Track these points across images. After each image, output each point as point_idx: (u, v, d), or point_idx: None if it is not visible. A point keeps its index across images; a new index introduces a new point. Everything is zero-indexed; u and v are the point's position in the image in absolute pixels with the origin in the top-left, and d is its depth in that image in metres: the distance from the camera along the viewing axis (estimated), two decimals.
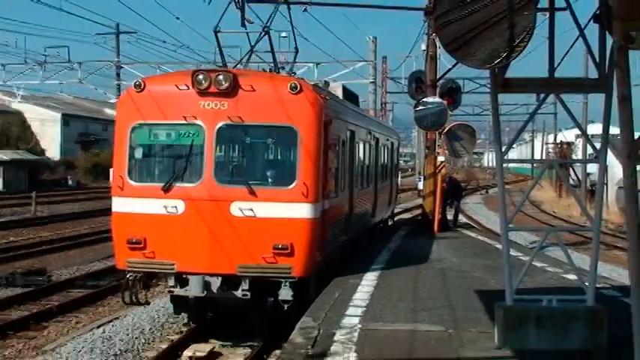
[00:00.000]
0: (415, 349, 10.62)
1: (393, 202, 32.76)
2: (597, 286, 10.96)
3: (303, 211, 13.85)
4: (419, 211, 34.97)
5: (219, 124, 13.94)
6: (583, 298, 10.58)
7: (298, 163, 14.00)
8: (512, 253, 11.63)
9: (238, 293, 13.65)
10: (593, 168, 48.22)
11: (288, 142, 14.36)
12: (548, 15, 10.29)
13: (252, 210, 13.71)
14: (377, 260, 19.66)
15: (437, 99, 26.35)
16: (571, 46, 10.41)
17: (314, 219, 14.04)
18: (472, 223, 40.12)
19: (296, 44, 20.46)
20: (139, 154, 14.45)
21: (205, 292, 13.50)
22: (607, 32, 9.78)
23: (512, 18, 9.55)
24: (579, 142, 67.38)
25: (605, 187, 12.26)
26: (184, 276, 13.74)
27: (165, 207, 13.85)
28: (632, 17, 5.78)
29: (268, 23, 17.25)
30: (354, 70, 51.92)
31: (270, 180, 14.36)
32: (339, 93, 20.40)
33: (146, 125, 14.32)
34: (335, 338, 11.01)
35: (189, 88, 13.89)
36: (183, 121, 14.01)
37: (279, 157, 15.43)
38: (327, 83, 20.44)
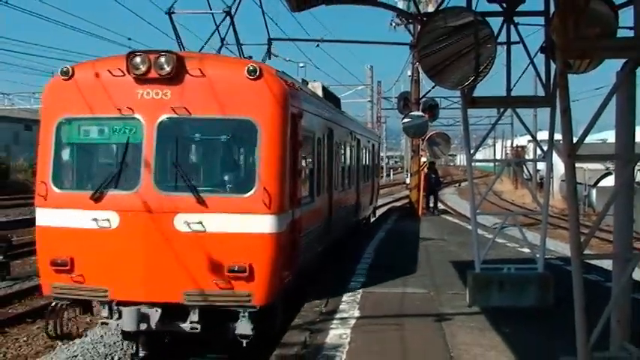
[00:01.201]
0: (404, 306, 10.62)
1: (374, 200, 27.19)
2: (546, 257, 10.95)
3: (264, 224, 9.07)
4: (407, 200, 34.95)
5: (161, 118, 9.22)
6: (535, 267, 10.58)
7: (258, 164, 9.22)
8: (480, 232, 11.62)
9: (186, 326, 9.02)
10: (541, 165, 48.03)
11: (247, 138, 9.52)
12: (505, 47, 10.29)
13: (201, 223, 8.98)
14: (375, 237, 19.70)
15: (420, 113, 26.55)
16: (524, 71, 10.41)
17: (279, 234, 9.22)
18: (448, 209, 39.97)
19: (268, 34, 15.15)
20: (65, 155, 9.76)
21: (143, 326, 8.89)
22: (551, 60, 9.80)
23: (477, 50, 9.54)
24: (531, 146, 67.02)
25: (551, 180, 12.21)
26: (117, 307, 9.13)
27: (96, 220, 9.14)
28: (569, 49, 5.77)
29: (232, 7, 12.20)
30: (356, 92, 52.04)
31: (223, 186, 9.62)
32: (319, 92, 15.57)
33: (74, 120, 9.55)
34: (342, 299, 11.02)
35: (125, 75, 9.20)
36: (118, 115, 9.27)
37: (234, 158, 10.36)
38: (305, 82, 15.22)
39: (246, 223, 9.06)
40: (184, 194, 9.12)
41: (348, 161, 17.28)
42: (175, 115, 9.24)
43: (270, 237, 9.14)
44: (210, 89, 9.24)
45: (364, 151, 21.54)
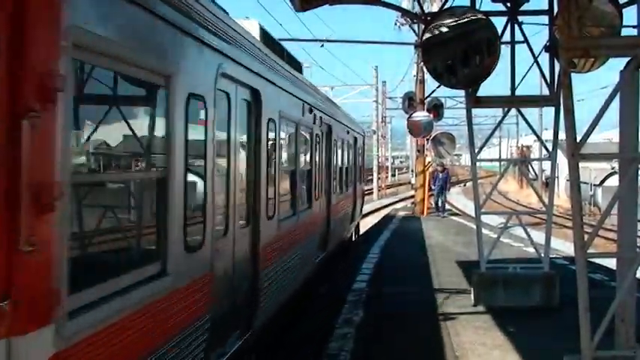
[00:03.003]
0: (409, 305, 10.61)
1: (357, 216, 19.38)
2: (551, 256, 10.95)
3: None
4: (411, 200, 34.94)
5: None
6: (540, 266, 10.57)
7: None
8: (485, 231, 11.61)
9: None
10: (547, 165, 47.86)
11: None
12: (510, 47, 10.28)
13: None
14: (380, 237, 19.68)
15: (425, 113, 26.56)
16: (528, 71, 10.43)
17: None
18: (453, 209, 39.93)
19: None
20: None
21: None
22: (555, 59, 9.80)
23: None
24: (536, 145, 66.93)
25: (556, 179, 12.20)
26: None
27: None
28: (573, 48, 5.78)
29: None
30: (361, 92, 52.03)
31: None
32: (255, 34, 7.95)
33: None
34: (347, 299, 10.97)
35: None
36: None
37: None
38: (224, 10, 6.22)
39: None
40: None
41: (305, 161, 10.65)
42: None
43: None
44: None
45: (340, 145, 14.61)
